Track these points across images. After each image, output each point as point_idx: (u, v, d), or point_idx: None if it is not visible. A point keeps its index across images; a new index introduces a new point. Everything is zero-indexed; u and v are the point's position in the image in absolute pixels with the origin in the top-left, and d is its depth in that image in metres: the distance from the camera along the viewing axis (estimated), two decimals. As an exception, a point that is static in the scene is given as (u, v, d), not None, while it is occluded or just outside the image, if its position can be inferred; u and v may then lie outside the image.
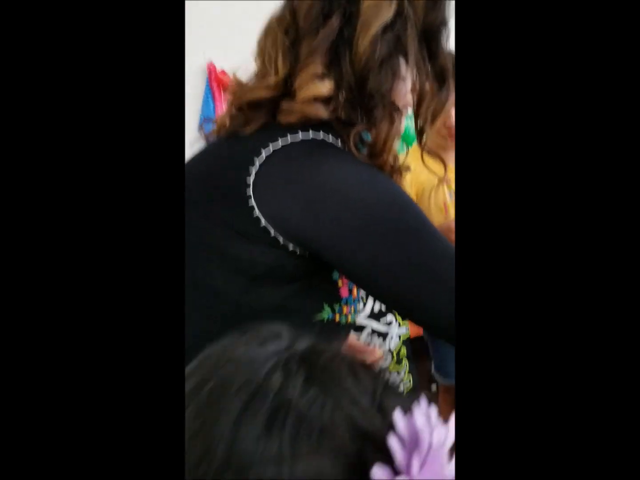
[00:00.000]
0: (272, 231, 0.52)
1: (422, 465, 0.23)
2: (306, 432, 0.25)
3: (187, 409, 0.28)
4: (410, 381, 1.18)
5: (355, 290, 0.62)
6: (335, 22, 0.51)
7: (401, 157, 0.60)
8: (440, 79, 0.55)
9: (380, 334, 1.13)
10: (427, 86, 0.55)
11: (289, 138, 0.52)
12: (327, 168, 0.52)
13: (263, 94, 0.54)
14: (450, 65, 0.54)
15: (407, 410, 0.26)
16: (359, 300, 0.64)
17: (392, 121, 0.55)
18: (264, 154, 0.52)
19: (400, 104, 0.56)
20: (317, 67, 0.51)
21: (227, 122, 0.59)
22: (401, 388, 1.27)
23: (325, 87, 0.52)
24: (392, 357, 1.14)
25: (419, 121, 0.57)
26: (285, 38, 0.53)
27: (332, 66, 0.52)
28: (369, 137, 0.56)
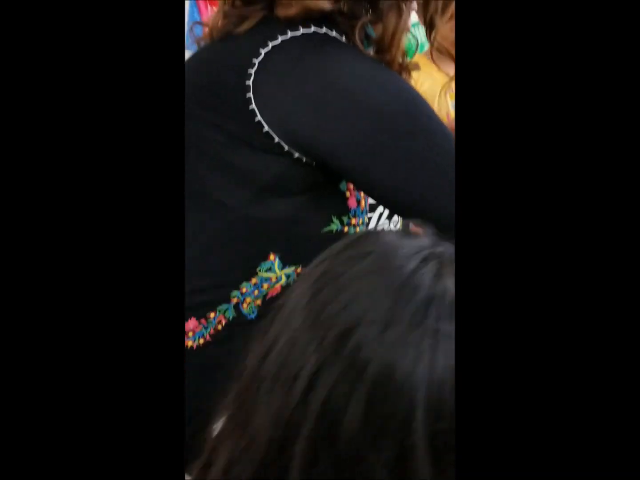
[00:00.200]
0: (275, 137, 0.49)
1: None
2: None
3: (351, 268, 0.29)
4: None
5: (363, 202, 0.61)
6: None
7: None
8: None
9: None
10: None
11: (289, 34, 0.48)
12: (332, 65, 0.48)
13: None
14: None
15: None
16: (367, 212, 0.62)
17: (400, 13, 0.50)
18: (262, 52, 0.48)
19: None
20: None
21: (220, 22, 0.55)
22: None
23: None
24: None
25: (428, 13, 0.53)
26: None
27: None
28: (373, 34, 0.52)
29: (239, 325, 0.58)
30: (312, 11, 0.48)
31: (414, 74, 0.61)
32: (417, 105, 0.49)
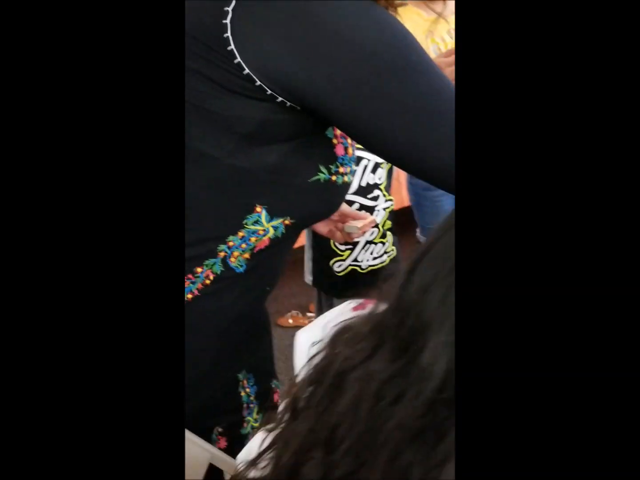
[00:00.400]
0: (256, 80, 0.47)
1: None
2: None
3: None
4: (393, 251, 1.21)
5: (350, 149, 0.59)
6: None
7: None
8: None
9: (368, 209, 1.13)
10: None
11: None
12: (315, 1, 0.45)
13: None
14: None
15: None
16: (354, 160, 0.61)
17: None
18: None
19: None
20: None
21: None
22: (384, 257, 1.30)
23: None
24: (379, 230, 1.16)
25: None
26: None
27: None
28: None
29: (227, 279, 0.57)
30: None
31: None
32: (406, 44, 0.46)
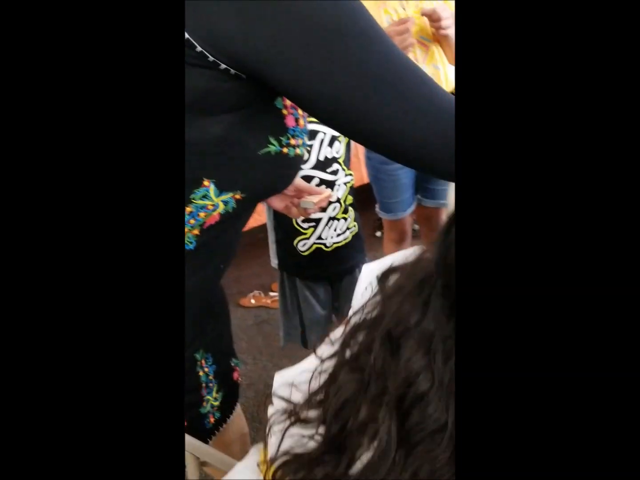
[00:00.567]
0: (197, 46, 0.44)
1: None
2: None
3: None
4: (355, 227, 1.21)
5: (302, 120, 0.57)
6: None
7: None
8: None
9: (328, 184, 1.12)
10: None
11: None
12: None
13: None
14: None
15: None
16: (306, 132, 0.59)
17: None
18: None
19: None
20: None
21: None
22: (347, 233, 1.30)
23: None
24: (341, 205, 1.15)
25: None
26: None
27: None
28: None
29: (176, 257, 0.55)
30: None
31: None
32: (353, 9, 0.45)
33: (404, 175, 1.44)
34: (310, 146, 1.07)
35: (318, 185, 1.09)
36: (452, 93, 0.54)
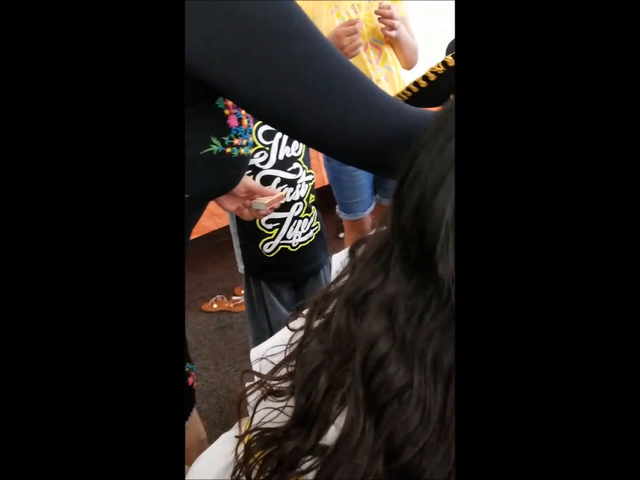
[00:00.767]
0: None
1: None
2: None
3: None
4: (318, 226, 1.22)
5: (245, 120, 0.57)
6: None
7: None
8: None
9: (290, 182, 1.12)
10: None
11: None
12: None
13: None
14: None
15: None
16: (250, 132, 0.59)
17: None
18: None
19: None
20: None
21: None
22: (311, 233, 1.30)
23: None
24: (304, 204, 1.16)
25: None
26: None
27: None
28: None
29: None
30: None
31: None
32: (287, 8, 0.44)
33: (363, 176, 1.47)
34: (269, 146, 1.08)
35: (280, 184, 1.10)
36: (402, 92, 0.55)
